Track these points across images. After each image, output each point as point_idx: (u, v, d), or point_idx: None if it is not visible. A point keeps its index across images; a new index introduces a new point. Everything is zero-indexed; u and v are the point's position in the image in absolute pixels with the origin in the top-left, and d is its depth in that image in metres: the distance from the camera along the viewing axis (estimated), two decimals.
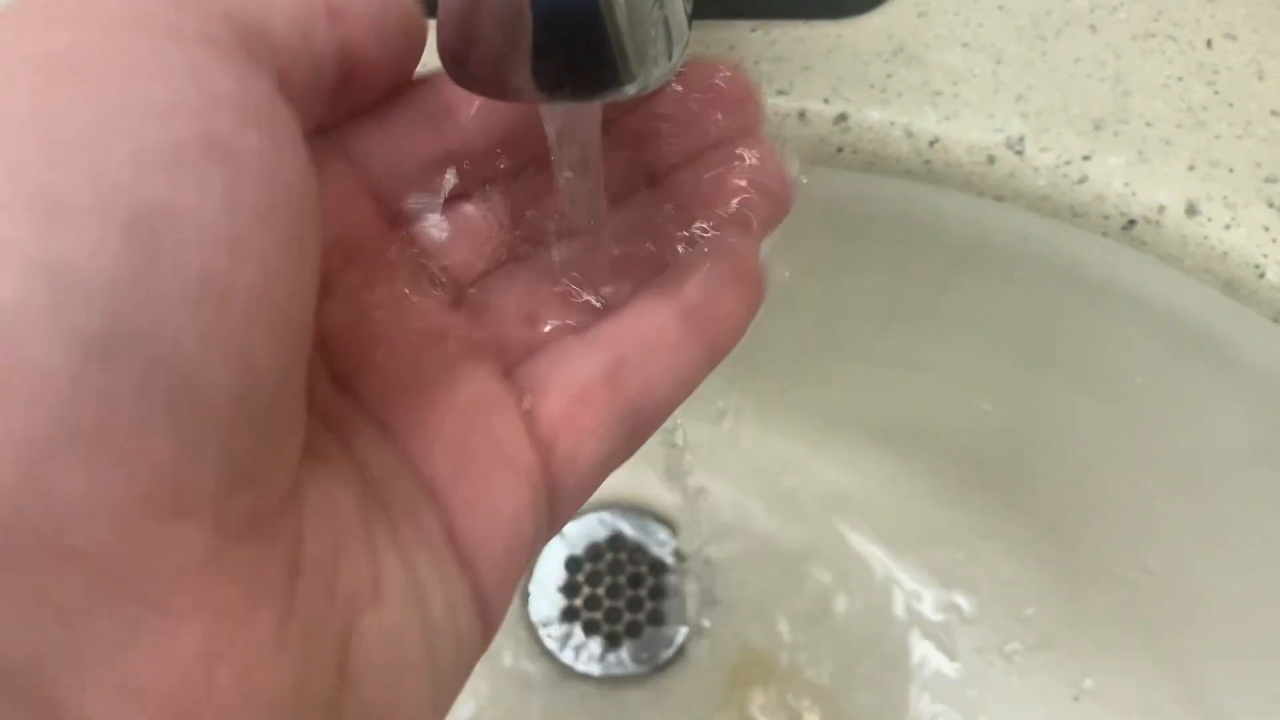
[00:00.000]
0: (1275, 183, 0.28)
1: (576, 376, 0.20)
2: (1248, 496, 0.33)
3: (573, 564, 0.43)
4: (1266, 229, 0.28)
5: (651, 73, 0.16)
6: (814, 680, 0.41)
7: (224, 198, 0.14)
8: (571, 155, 0.19)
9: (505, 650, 0.42)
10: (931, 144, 0.29)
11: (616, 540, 0.43)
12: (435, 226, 0.21)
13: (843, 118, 0.29)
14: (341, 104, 0.19)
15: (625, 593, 0.43)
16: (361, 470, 0.18)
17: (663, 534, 0.43)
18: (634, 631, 0.42)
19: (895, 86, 0.29)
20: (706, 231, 0.22)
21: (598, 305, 0.22)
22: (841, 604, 0.41)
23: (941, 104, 0.29)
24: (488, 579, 0.19)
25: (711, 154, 0.23)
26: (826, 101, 0.29)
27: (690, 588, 0.43)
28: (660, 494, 0.44)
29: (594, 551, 0.43)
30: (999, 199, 0.29)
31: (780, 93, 0.29)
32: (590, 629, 0.42)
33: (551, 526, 0.20)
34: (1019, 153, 0.29)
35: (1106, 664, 0.39)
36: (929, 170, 0.29)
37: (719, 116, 0.23)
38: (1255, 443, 0.31)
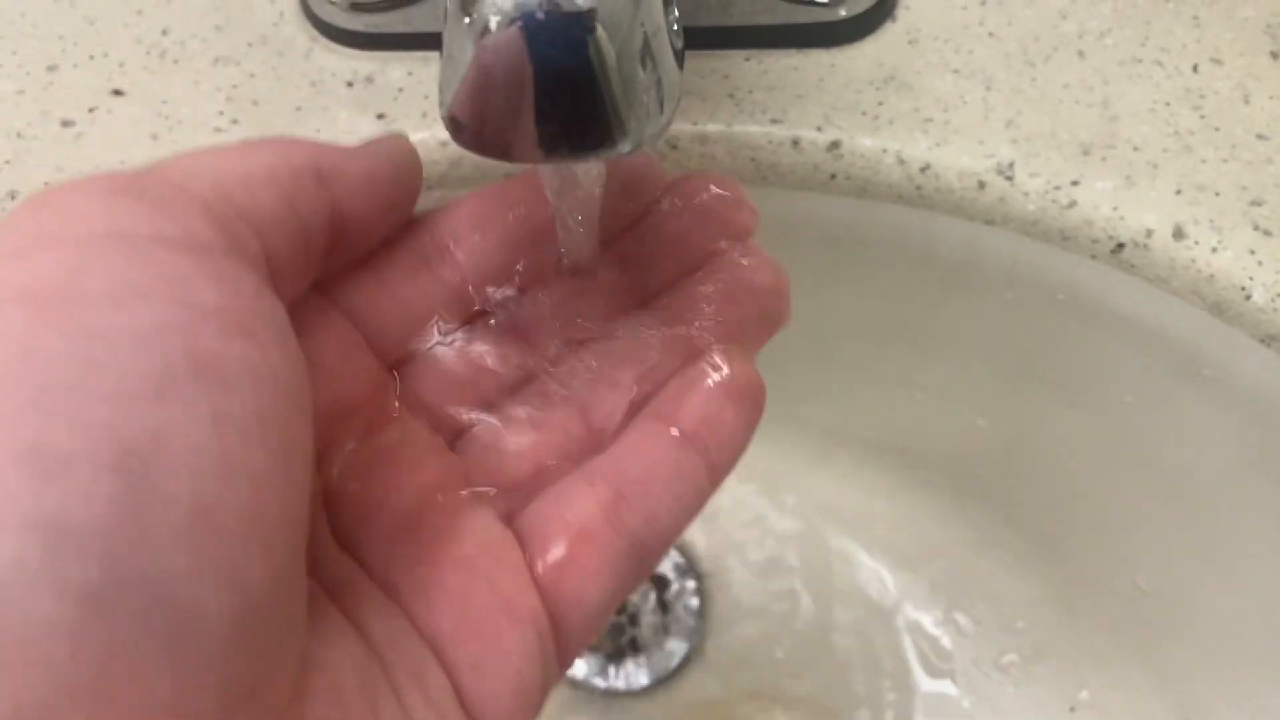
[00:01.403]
0: (1261, 206, 0.29)
1: (577, 516, 0.20)
2: (1237, 512, 0.33)
3: None
4: (1252, 252, 0.28)
5: (644, 130, 0.17)
6: (811, 694, 0.41)
7: (212, 420, 0.14)
8: (570, 211, 0.20)
9: None
10: (923, 170, 0.29)
11: None
12: (434, 369, 0.21)
13: (835, 145, 0.30)
14: (336, 260, 0.19)
15: (627, 608, 0.43)
16: (366, 637, 0.18)
17: None
18: (635, 647, 0.43)
19: (887, 114, 0.30)
20: (701, 349, 0.22)
21: (595, 436, 0.21)
22: (838, 618, 0.42)
23: (932, 130, 0.30)
24: None
25: (704, 269, 0.23)
26: (819, 129, 0.30)
27: (690, 603, 0.43)
28: None
29: None
30: (990, 223, 0.30)
31: (774, 121, 0.30)
32: (592, 645, 0.43)
33: (561, 667, 0.20)
34: (1009, 178, 0.29)
35: (1101, 676, 0.39)
36: (921, 196, 0.30)
37: (711, 230, 0.23)
38: (1243, 460, 0.32)
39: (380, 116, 0.30)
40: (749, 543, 0.43)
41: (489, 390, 0.22)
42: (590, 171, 0.19)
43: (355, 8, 0.30)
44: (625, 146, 0.17)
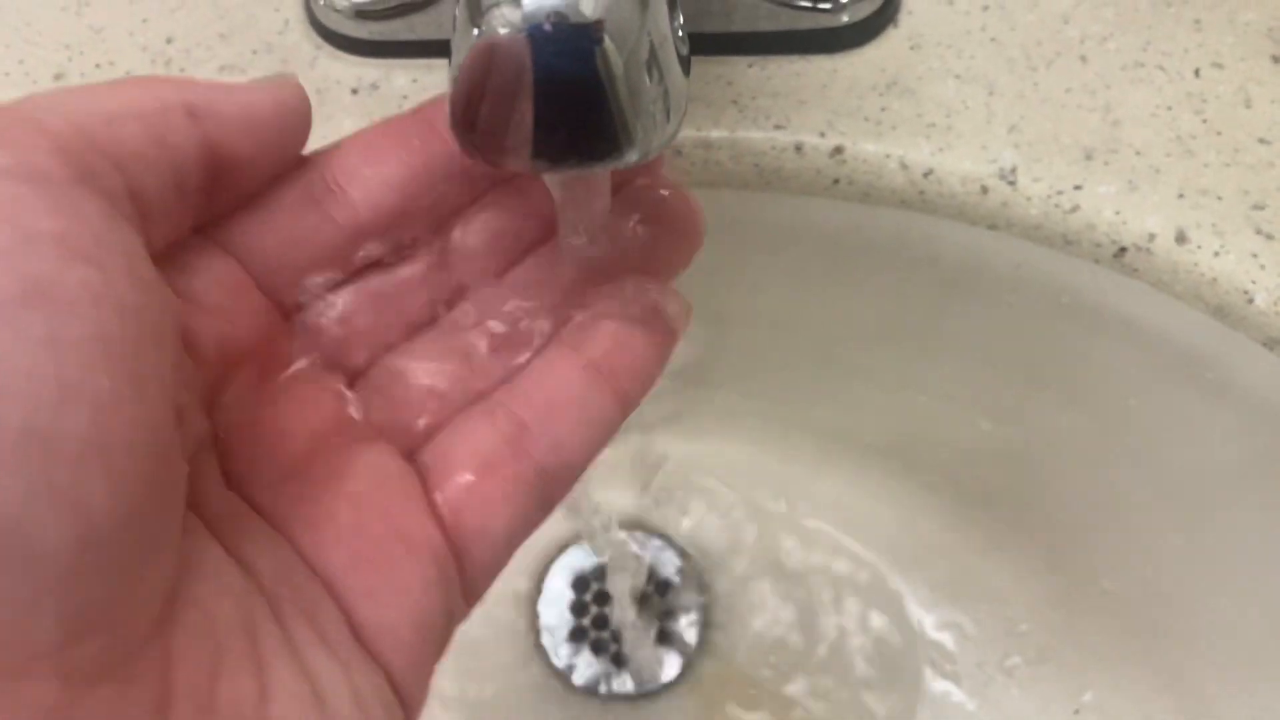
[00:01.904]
0: (1263, 210, 0.29)
1: (479, 446, 0.20)
2: (1240, 513, 0.33)
3: (580, 583, 0.44)
4: (1255, 255, 0.28)
5: (652, 140, 0.17)
6: (816, 697, 0.41)
7: (47, 345, 0.14)
8: (576, 220, 0.20)
9: (515, 669, 0.42)
10: (926, 175, 0.30)
11: (624, 559, 0.44)
12: (328, 311, 0.21)
13: (839, 150, 0.30)
14: (218, 200, 0.19)
15: (632, 611, 0.43)
16: (251, 573, 0.18)
17: (669, 554, 0.44)
18: (641, 649, 0.43)
19: (890, 119, 0.30)
20: (612, 277, 0.22)
21: (500, 368, 0.21)
22: (843, 621, 0.42)
23: (935, 135, 0.30)
24: (400, 664, 0.19)
25: (618, 199, 0.22)
26: (822, 135, 0.30)
27: (695, 607, 0.43)
28: (666, 514, 0.44)
29: (601, 571, 0.44)
30: (993, 228, 0.30)
31: (777, 127, 0.30)
32: (597, 648, 0.43)
33: (467, 601, 0.20)
34: (1011, 183, 0.29)
35: (1105, 678, 0.40)
36: (924, 200, 0.30)
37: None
38: (1246, 462, 0.32)
39: None
40: (751, 545, 0.43)
41: (393, 329, 0.22)
42: (595, 180, 0.19)
43: (360, 15, 0.30)
44: (633, 156, 0.17)
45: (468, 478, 0.20)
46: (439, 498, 0.20)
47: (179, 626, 0.16)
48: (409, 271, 0.22)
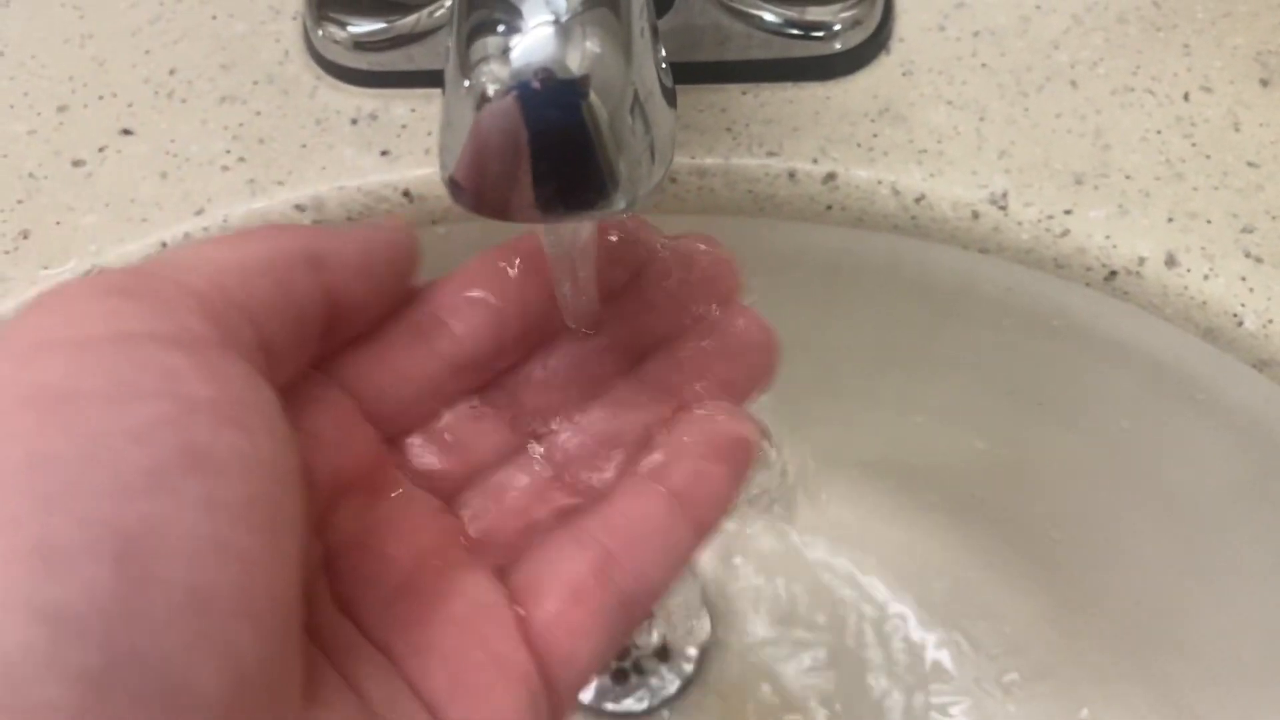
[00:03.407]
0: (1252, 233, 0.29)
1: (568, 575, 0.21)
2: (1232, 531, 0.34)
3: None
4: (1244, 279, 0.29)
5: (639, 188, 0.17)
6: (814, 714, 0.42)
7: (205, 508, 0.15)
8: (568, 268, 0.20)
9: None
10: (918, 200, 0.30)
11: None
12: (432, 440, 0.22)
13: (831, 177, 0.30)
14: (334, 339, 0.20)
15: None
16: (364, 699, 0.19)
17: None
18: (639, 668, 0.43)
19: (882, 145, 0.30)
20: (690, 408, 0.23)
21: (587, 497, 0.22)
22: (839, 638, 0.42)
23: (927, 161, 0.30)
24: None
25: (694, 328, 0.24)
26: (815, 161, 0.30)
27: (695, 624, 0.43)
28: None
29: None
30: (984, 252, 0.30)
31: (771, 154, 0.30)
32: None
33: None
34: (1002, 208, 0.30)
35: (1102, 693, 0.40)
36: (916, 226, 0.30)
37: (701, 291, 0.23)
38: (1237, 481, 0.32)
39: (384, 153, 0.31)
40: (750, 563, 0.44)
41: (488, 457, 0.23)
42: (584, 229, 0.20)
43: (359, 46, 0.31)
44: (621, 203, 0.17)
45: (557, 605, 0.21)
46: (531, 624, 0.21)
47: None
48: (502, 400, 0.23)
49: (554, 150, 0.16)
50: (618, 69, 0.16)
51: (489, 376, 0.23)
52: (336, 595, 0.20)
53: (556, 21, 0.16)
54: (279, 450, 0.17)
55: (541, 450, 0.23)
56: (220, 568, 0.15)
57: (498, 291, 0.22)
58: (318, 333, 0.20)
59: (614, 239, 0.23)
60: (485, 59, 0.16)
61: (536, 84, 0.16)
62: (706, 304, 0.23)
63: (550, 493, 0.22)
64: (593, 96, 0.16)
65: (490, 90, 0.16)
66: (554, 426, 0.23)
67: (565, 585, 0.21)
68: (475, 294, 0.22)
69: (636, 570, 0.21)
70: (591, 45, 0.16)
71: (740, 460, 0.23)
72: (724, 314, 0.24)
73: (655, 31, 0.18)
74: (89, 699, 0.14)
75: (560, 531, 0.22)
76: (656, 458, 0.22)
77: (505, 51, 0.16)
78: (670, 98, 0.19)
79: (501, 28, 0.16)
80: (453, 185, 0.17)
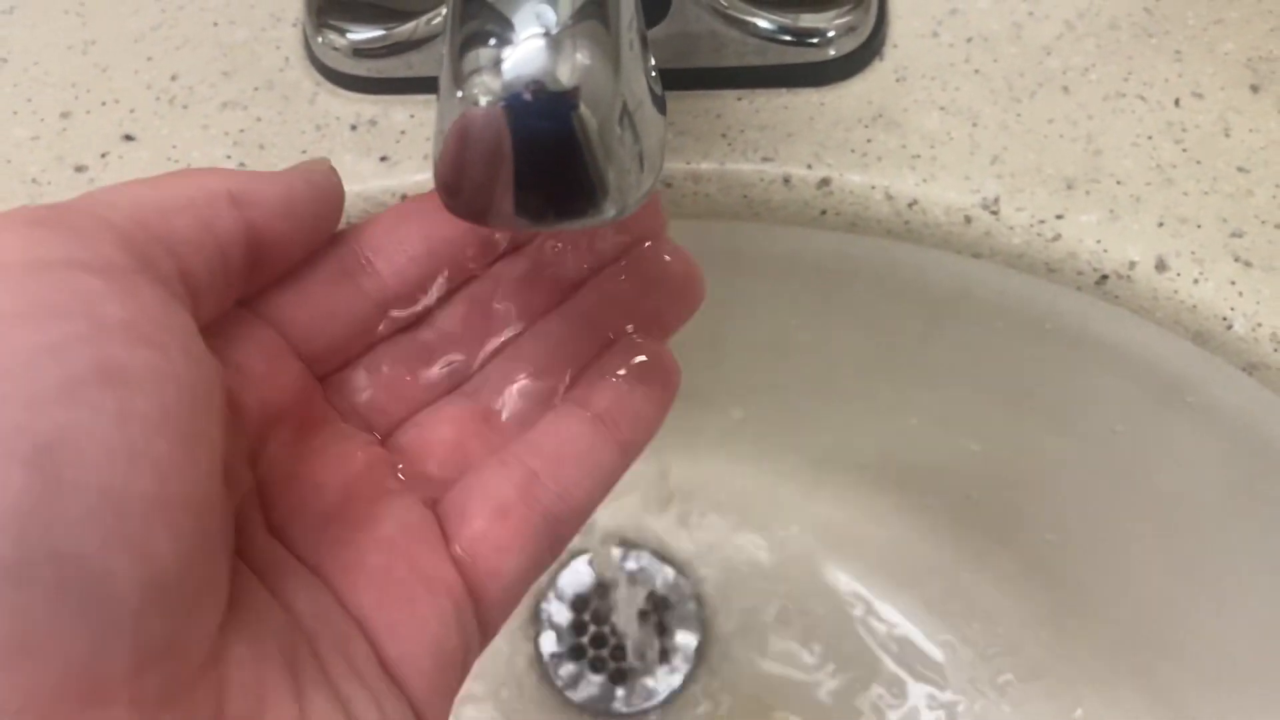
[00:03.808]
0: (1241, 238, 0.29)
1: (493, 494, 0.22)
2: (1224, 533, 0.34)
3: (579, 602, 0.44)
4: (1233, 283, 0.29)
5: (629, 197, 0.18)
6: (811, 713, 0.42)
7: (117, 418, 0.16)
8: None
9: (515, 687, 0.43)
10: (911, 205, 0.30)
11: (622, 579, 0.45)
12: (359, 375, 0.23)
13: (825, 182, 0.30)
14: (259, 276, 0.21)
15: (630, 630, 0.44)
16: (292, 612, 0.20)
17: (667, 572, 0.45)
18: (638, 668, 0.43)
19: (875, 151, 0.31)
20: (616, 336, 0.24)
21: (515, 425, 0.23)
22: (835, 639, 0.43)
23: (920, 167, 0.30)
24: (422, 694, 0.21)
25: (620, 261, 0.25)
26: (809, 167, 0.30)
27: (691, 625, 0.44)
28: (664, 533, 0.45)
29: (600, 589, 0.45)
30: (977, 256, 0.31)
31: (765, 159, 0.30)
32: (596, 666, 0.43)
33: (483, 636, 0.22)
34: (994, 213, 0.30)
35: (1096, 694, 0.40)
36: (909, 230, 0.31)
37: (628, 225, 0.25)
38: (1228, 483, 0.32)
39: (383, 159, 0.31)
40: (747, 563, 0.44)
41: (417, 394, 0.24)
42: None
43: (358, 53, 0.31)
44: (610, 212, 0.17)
45: (482, 524, 0.22)
46: (457, 543, 0.22)
47: (230, 659, 0.18)
48: (432, 337, 0.24)
49: (545, 160, 0.17)
50: (607, 81, 0.17)
51: (417, 314, 0.24)
52: (268, 522, 0.21)
53: (547, 34, 0.16)
54: (194, 369, 0.17)
55: (470, 385, 0.24)
56: (134, 473, 0.16)
57: (423, 231, 0.23)
58: (241, 269, 0.20)
59: None
60: (478, 70, 0.16)
61: (528, 95, 0.16)
62: (635, 237, 0.25)
63: (479, 426, 0.24)
64: (583, 108, 0.16)
65: (482, 101, 0.16)
66: (483, 362, 0.24)
67: (490, 504, 0.22)
68: (400, 233, 0.23)
69: (561, 489, 0.22)
70: (581, 57, 0.16)
71: (663, 384, 0.24)
72: (650, 248, 0.25)
73: (645, 41, 0.19)
74: (4, 589, 0.15)
75: (489, 459, 0.23)
76: (583, 384, 0.24)
77: (497, 63, 0.16)
78: (660, 105, 0.20)
79: (493, 40, 0.16)
80: (443, 193, 0.18)
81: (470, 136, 0.17)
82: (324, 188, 0.22)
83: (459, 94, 0.16)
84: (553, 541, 0.23)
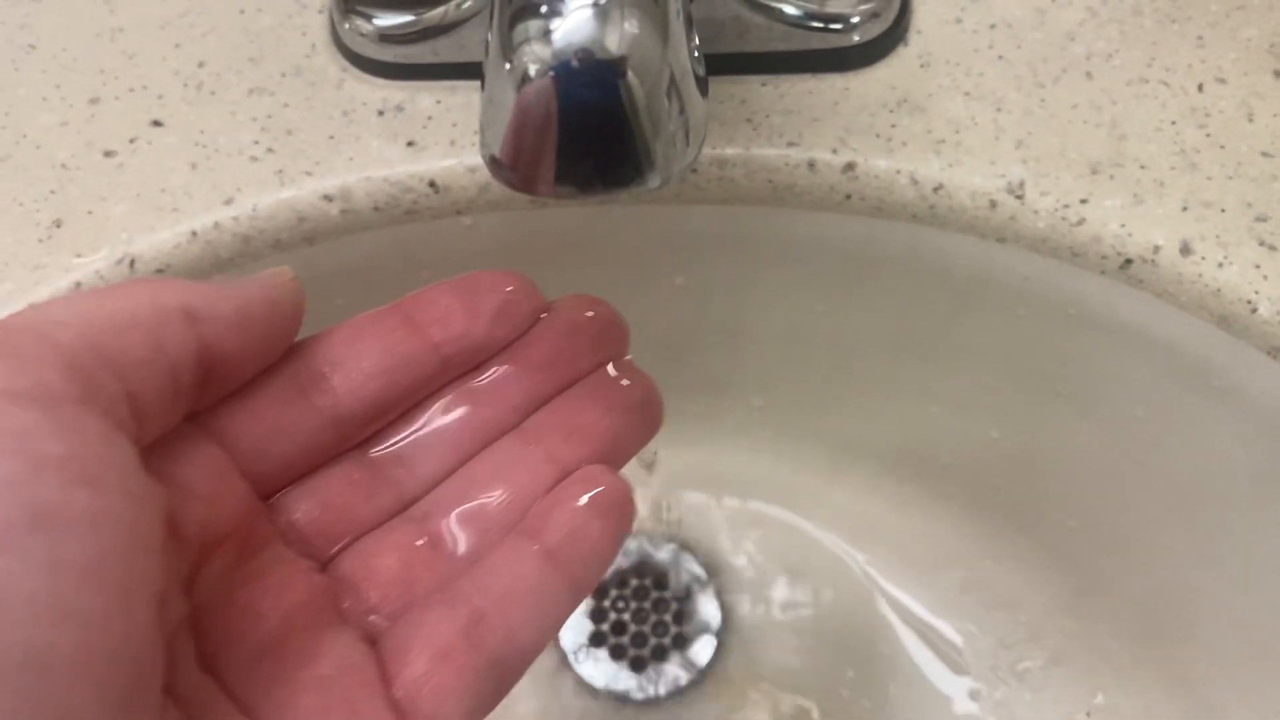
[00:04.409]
0: (1266, 222, 0.29)
1: (437, 635, 0.21)
2: (1247, 518, 0.34)
3: (598, 590, 0.45)
4: (1257, 266, 0.29)
5: (673, 166, 0.18)
6: (831, 702, 0.42)
7: (48, 568, 0.15)
8: None
9: (535, 674, 0.43)
10: (936, 190, 0.30)
11: (642, 567, 0.45)
12: (309, 498, 0.22)
13: (850, 167, 0.30)
14: (209, 392, 0.20)
15: (650, 618, 0.44)
16: None
17: (687, 560, 0.45)
18: (658, 655, 0.43)
19: (900, 136, 0.31)
20: (571, 465, 0.23)
21: (464, 556, 0.22)
22: (856, 625, 0.43)
23: (945, 151, 0.31)
24: None
25: (579, 386, 0.24)
26: (835, 151, 0.31)
27: (711, 613, 0.44)
28: (683, 521, 0.45)
29: (620, 577, 0.45)
30: (1001, 241, 0.31)
31: (791, 144, 0.31)
32: (616, 653, 0.44)
33: None
34: (1019, 197, 0.30)
35: (1116, 680, 0.40)
36: (934, 215, 0.31)
37: (585, 350, 0.24)
38: (1252, 468, 0.33)
39: (410, 144, 0.31)
40: (767, 551, 0.44)
41: (366, 517, 0.23)
42: None
43: (385, 39, 0.31)
44: (655, 181, 0.18)
45: (423, 666, 0.21)
46: (397, 685, 0.21)
47: None
48: (384, 456, 0.23)
49: (592, 128, 0.17)
50: (655, 50, 0.17)
51: (371, 433, 0.23)
52: (201, 652, 0.20)
53: (596, 4, 0.16)
54: (134, 508, 0.17)
55: (420, 508, 0.23)
56: (61, 629, 0.15)
57: (381, 346, 0.23)
58: (192, 387, 0.20)
59: (508, 291, 0.23)
60: (527, 40, 0.16)
61: (576, 63, 0.16)
62: (594, 361, 0.24)
63: (427, 553, 0.23)
64: (630, 76, 0.16)
65: (532, 70, 0.16)
66: (435, 484, 0.23)
67: (433, 646, 0.21)
68: (358, 349, 0.22)
69: (507, 631, 0.21)
70: (630, 27, 0.16)
71: (618, 518, 0.23)
72: (611, 373, 0.24)
73: (690, 18, 0.19)
74: None
75: (434, 592, 0.22)
76: (534, 516, 0.22)
77: (547, 33, 0.16)
78: (703, 86, 0.20)
79: (544, 9, 0.16)
80: (493, 163, 0.18)
81: (519, 105, 0.17)
82: (282, 301, 0.21)
83: (507, 65, 0.17)
84: (497, 685, 0.21)
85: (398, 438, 0.23)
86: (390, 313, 0.23)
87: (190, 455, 0.20)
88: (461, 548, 0.23)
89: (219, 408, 0.21)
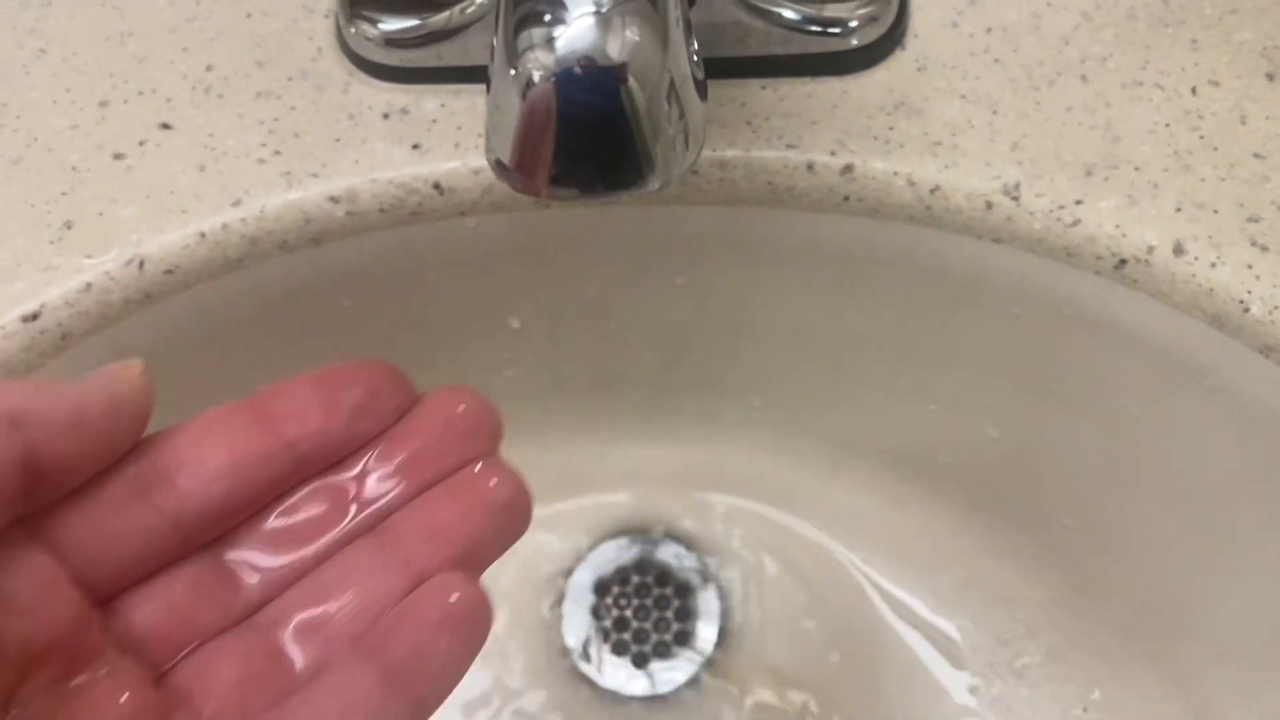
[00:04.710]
0: (1258, 222, 0.30)
1: None
2: (1242, 516, 0.34)
3: (601, 587, 0.45)
4: (1250, 266, 0.29)
5: (672, 169, 0.18)
6: (831, 699, 0.42)
7: None
8: None
9: (538, 672, 0.43)
10: (932, 191, 0.31)
11: (643, 564, 0.45)
12: (147, 604, 0.21)
13: (848, 169, 0.31)
14: (39, 497, 0.19)
15: (651, 615, 0.45)
16: None
17: (687, 558, 0.45)
18: (660, 652, 0.44)
19: (897, 138, 0.31)
20: (425, 574, 0.22)
21: (303, 670, 0.21)
22: (853, 624, 0.43)
23: (941, 154, 0.31)
24: None
25: (443, 485, 0.22)
26: (833, 154, 0.31)
27: (712, 610, 0.44)
28: (684, 520, 0.46)
29: (622, 575, 0.45)
30: (997, 241, 0.31)
31: (790, 146, 0.31)
32: (618, 650, 0.44)
33: None
34: (1015, 198, 0.30)
35: (1114, 677, 0.41)
36: (930, 216, 0.31)
37: (455, 447, 0.22)
38: (1246, 465, 0.33)
39: (415, 147, 0.32)
40: (766, 549, 0.44)
41: (209, 621, 0.22)
42: None
43: (390, 43, 0.32)
44: (655, 183, 0.18)
45: None
46: None
47: None
48: (230, 558, 0.22)
49: (594, 132, 0.17)
50: (655, 56, 0.17)
51: (220, 533, 0.22)
52: None
53: (598, 12, 0.17)
54: None
55: (265, 615, 0.22)
56: None
57: (230, 446, 0.21)
58: (17, 493, 0.19)
59: (371, 385, 0.22)
60: (531, 48, 0.17)
61: (579, 70, 0.17)
62: (463, 459, 0.23)
63: (265, 666, 0.21)
64: (631, 82, 0.17)
65: (536, 76, 0.17)
66: (281, 589, 0.22)
67: None
68: (206, 447, 0.21)
69: None
70: (631, 34, 0.17)
71: (471, 633, 0.21)
72: (479, 471, 0.23)
73: (689, 24, 0.19)
74: None
75: (267, 710, 0.21)
76: (379, 630, 0.21)
77: (550, 41, 0.17)
78: (702, 90, 0.20)
79: (548, 17, 0.17)
80: (499, 166, 0.18)
81: (523, 111, 0.17)
82: (126, 398, 0.20)
83: (512, 71, 0.17)
84: None
85: (249, 539, 0.22)
86: (242, 409, 0.22)
87: (14, 563, 0.19)
88: (300, 662, 0.21)
89: (54, 511, 0.20)
